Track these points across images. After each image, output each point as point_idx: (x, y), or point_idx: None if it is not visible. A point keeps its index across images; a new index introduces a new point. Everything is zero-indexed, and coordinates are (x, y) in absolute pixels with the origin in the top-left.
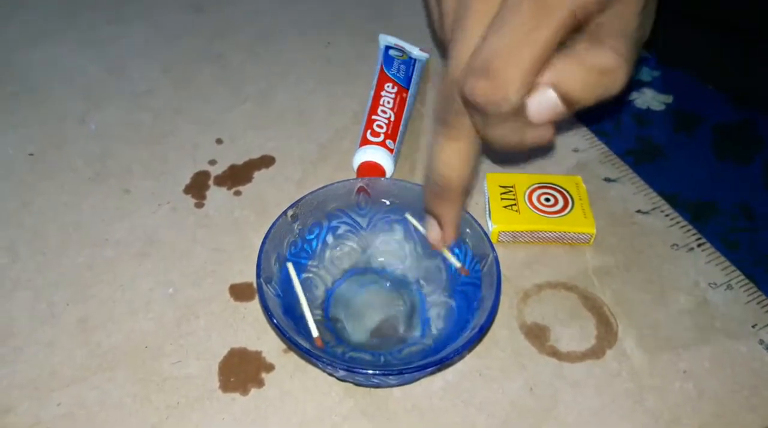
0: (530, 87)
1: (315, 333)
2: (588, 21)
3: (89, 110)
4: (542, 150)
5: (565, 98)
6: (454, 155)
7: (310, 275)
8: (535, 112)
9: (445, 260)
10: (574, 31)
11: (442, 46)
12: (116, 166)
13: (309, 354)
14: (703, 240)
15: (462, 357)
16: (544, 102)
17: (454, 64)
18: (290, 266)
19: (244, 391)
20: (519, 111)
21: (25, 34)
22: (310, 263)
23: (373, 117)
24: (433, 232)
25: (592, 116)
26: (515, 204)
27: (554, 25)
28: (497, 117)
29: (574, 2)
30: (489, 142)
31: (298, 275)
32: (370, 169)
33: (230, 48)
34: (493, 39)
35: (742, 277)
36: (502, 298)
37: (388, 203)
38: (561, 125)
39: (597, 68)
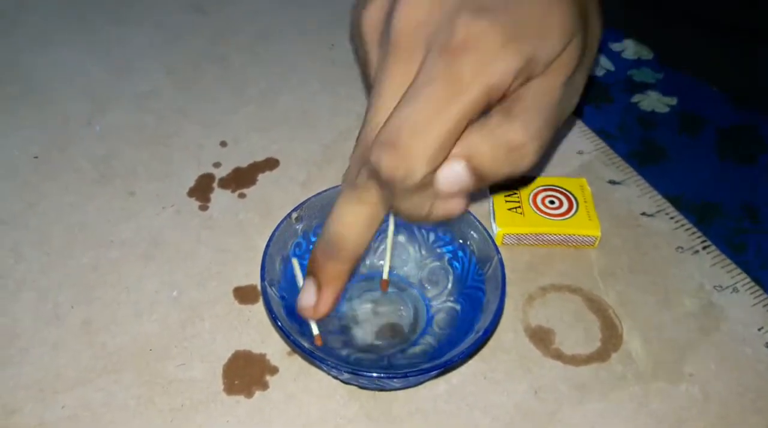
0: (438, 163)
1: (315, 330)
2: (504, 97)
3: (94, 111)
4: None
5: (473, 171)
6: (356, 217)
7: None
8: (444, 184)
9: (450, 262)
10: (492, 105)
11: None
12: (121, 168)
13: (313, 357)
14: (708, 243)
15: (466, 361)
16: (453, 175)
17: (366, 130)
18: (295, 261)
19: (249, 394)
20: (427, 183)
21: (30, 37)
22: None
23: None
24: (307, 297)
25: (596, 118)
26: (519, 207)
27: (466, 103)
28: (404, 190)
29: (490, 80)
30: (398, 213)
31: (302, 275)
32: None
33: (233, 49)
34: (403, 111)
35: (748, 280)
36: (507, 301)
37: None
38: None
39: (506, 145)
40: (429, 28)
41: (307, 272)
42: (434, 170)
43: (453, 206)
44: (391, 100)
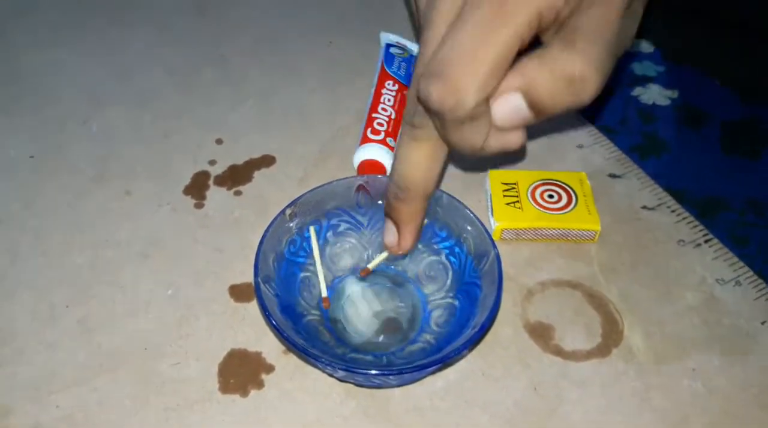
0: (489, 92)
1: (324, 293)
2: (558, 22)
3: (91, 112)
4: (513, 156)
5: (532, 104)
6: (417, 156)
7: (309, 273)
8: (500, 117)
9: (448, 258)
10: (543, 32)
11: (417, 32)
12: (117, 167)
13: (308, 354)
14: (711, 236)
15: (464, 357)
16: (510, 107)
17: (419, 65)
18: (312, 229)
19: (244, 393)
20: (482, 115)
21: (29, 38)
22: (309, 261)
23: (374, 115)
24: (389, 236)
25: (596, 112)
26: (518, 201)
27: (516, 26)
28: (455, 121)
29: (539, 3)
30: (451, 146)
31: (296, 272)
32: (371, 167)
33: (232, 48)
34: (451, 40)
35: (751, 273)
36: (506, 296)
37: None
38: (558, 122)
39: (566, 75)
40: None
41: (385, 213)
42: (486, 100)
43: (510, 140)
44: (441, 32)
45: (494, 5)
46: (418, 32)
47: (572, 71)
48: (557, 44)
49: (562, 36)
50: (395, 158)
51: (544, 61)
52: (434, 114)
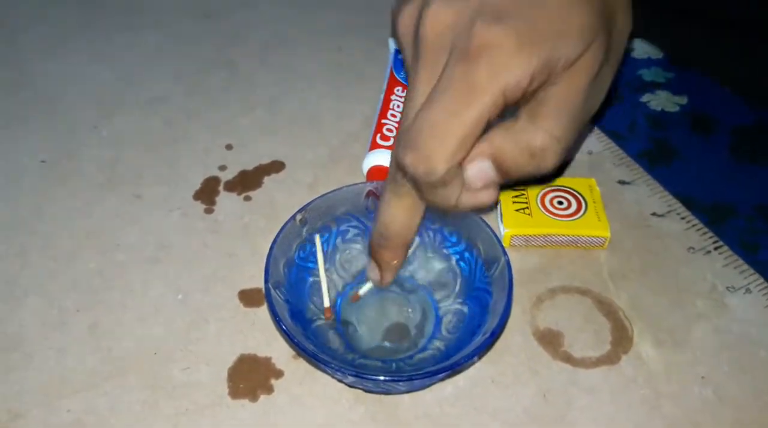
0: (458, 160)
1: (327, 303)
2: (523, 99)
3: (101, 117)
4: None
5: (498, 170)
6: (398, 209)
7: (319, 279)
8: (471, 179)
9: (458, 263)
10: (511, 105)
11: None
12: (127, 172)
13: (317, 360)
14: (720, 243)
15: (473, 363)
16: (480, 171)
17: (401, 126)
18: (317, 238)
19: (254, 398)
20: (453, 179)
21: (38, 44)
22: (319, 267)
23: (383, 121)
24: (373, 273)
25: (605, 118)
26: (527, 208)
27: (482, 106)
28: (428, 185)
29: (505, 83)
30: (427, 204)
31: (306, 277)
32: (380, 173)
33: (240, 54)
34: (423, 115)
35: (762, 280)
36: (515, 303)
37: None
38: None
39: (529, 147)
40: (453, 32)
41: (370, 255)
42: (457, 166)
43: (482, 198)
44: (419, 101)
45: (463, 85)
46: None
47: (534, 144)
48: (523, 116)
49: (529, 108)
50: (378, 209)
51: (510, 132)
52: (409, 178)
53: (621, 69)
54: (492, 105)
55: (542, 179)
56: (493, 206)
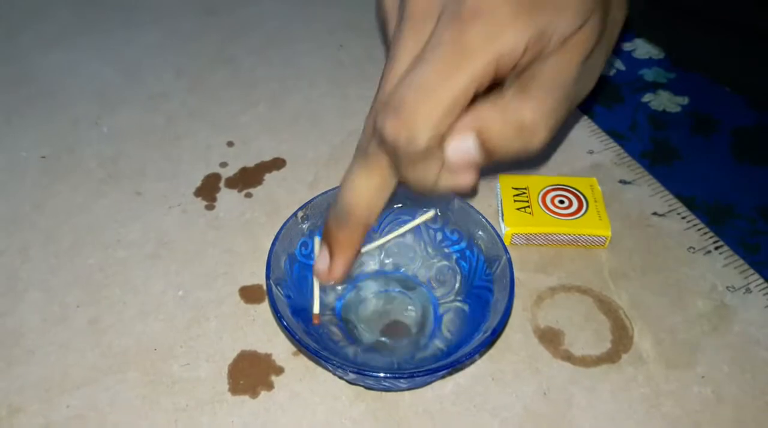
0: (442, 130)
1: (316, 309)
2: (515, 69)
3: (102, 112)
4: (466, 195)
5: (483, 146)
6: (365, 185)
7: None
8: (452, 155)
9: (457, 262)
10: (501, 77)
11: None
12: (128, 168)
13: (318, 356)
14: (721, 243)
15: (474, 361)
16: (463, 147)
17: (380, 93)
18: (316, 240)
19: (254, 394)
20: (434, 153)
21: (40, 39)
22: None
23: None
24: (320, 262)
25: (607, 117)
26: (528, 206)
27: (473, 70)
28: (407, 156)
29: (499, 49)
30: (402, 181)
31: (308, 274)
32: None
33: (242, 51)
34: (410, 76)
35: (762, 281)
36: (516, 301)
37: (399, 204)
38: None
39: (517, 122)
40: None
41: (322, 238)
42: (439, 138)
43: (462, 180)
44: (402, 68)
45: (454, 48)
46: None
47: (522, 119)
48: (513, 90)
49: (519, 82)
50: (342, 184)
51: (498, 106)
52: (388, 147)
53: (612, 63)
54: (483, 71)
55: (520, 164)
56: (472, 192)
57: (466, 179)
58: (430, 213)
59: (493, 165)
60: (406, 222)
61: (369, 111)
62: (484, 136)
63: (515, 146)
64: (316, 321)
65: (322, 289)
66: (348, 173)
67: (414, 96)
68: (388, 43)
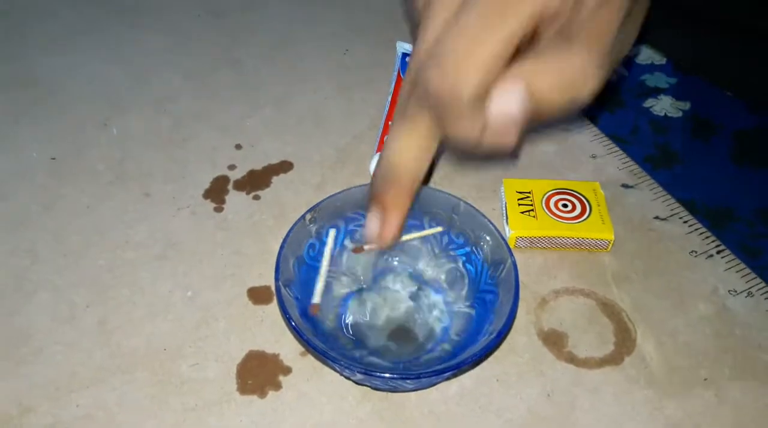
0: (488, 83)
1: (317, 299)
2: (558, 21)
3: (111, 115)
4: (507, 159)
5: (532, 100)
6: (408, 146)
7: (328, 278)
8: (498, 110)
9: (464, 265)
10: (543, 30)
11: (414, 29)
12: (136, 170)
13: (326, 357)
14: (722, 247)
15: (479, 363)
16: (511, 102)
17: (417, 51)
18: (332, 232)
19: (262, 394)
20: (479, 107)
21: (49, 42)
22: (330, 266)
23: (390, 123)
24: (372, 224)
25: (609, 122)
26: (532, 210)
27: (518, 19)
28: (453, 112)
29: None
30: (446, 138)
31: (315, 276)
32: None
33: (249, 54)
34: (454, 29)
35: (763, 284)
36: (520, 304)
37: None
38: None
39: (568, 69)
40: None
41: (369, 202)
42: (484, 92)
43: (506, 138)
44: (440, 23)
45: None
46: (414, 15)
47: (572, 66)
48: (558, 42)
49: (563, 35)
50: (385, 149)
51: (544, 57)
52: (432, 102)
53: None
54: (528, 21)
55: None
56: (514, 155)
57: (510, 138)
58: (438, 229)
59: (535, 127)
60: (412, 226)
61: (406, 74)
62: (533, 88)
63: (565, 98)
64: (314, 311)
65: (327, 291)
66: (390, 136)
67: (459, 48)
68: (416, 18)
